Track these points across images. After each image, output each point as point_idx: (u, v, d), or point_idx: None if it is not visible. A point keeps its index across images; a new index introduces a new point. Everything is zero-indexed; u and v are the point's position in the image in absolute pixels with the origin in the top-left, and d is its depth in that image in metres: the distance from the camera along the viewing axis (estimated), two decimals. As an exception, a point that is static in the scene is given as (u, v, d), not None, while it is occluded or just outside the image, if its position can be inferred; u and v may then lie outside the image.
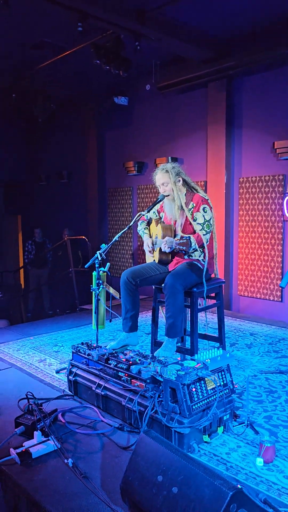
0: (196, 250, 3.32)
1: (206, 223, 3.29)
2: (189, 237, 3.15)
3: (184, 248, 3.08)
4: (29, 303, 8.39)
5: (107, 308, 3.81)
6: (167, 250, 3.13)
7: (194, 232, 3.31)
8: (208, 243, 3.34)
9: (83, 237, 7.30)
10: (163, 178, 3.36)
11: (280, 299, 5.47)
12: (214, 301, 3.60)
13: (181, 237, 3.18)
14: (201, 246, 3.29)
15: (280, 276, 5.45)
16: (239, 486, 1.59)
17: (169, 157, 6.53)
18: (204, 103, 6.17)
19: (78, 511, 1.97)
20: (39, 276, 8.32)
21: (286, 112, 5.35)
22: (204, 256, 3.34)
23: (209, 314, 5.08)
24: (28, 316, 7.99)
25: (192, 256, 3.38)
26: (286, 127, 5.33)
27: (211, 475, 1.65)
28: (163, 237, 3.33)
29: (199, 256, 3.37)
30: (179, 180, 3.41)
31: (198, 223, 3.29)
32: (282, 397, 3.13)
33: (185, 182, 3.47)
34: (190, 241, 3.15)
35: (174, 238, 3.32)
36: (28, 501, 2.08)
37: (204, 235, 3.26)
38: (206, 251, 3.29)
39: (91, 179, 8.22)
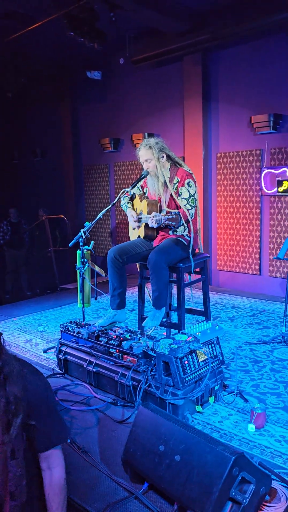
0: (183, 225, 3.33)
1: (191, 197, 3.30)
2: (178, 212, 3.16)
3: (174, 223, 3.09)
4: (6, 284, 8.25)
5: (92, 286, 3.80)
6: (155, 226, 3.14)
7: (178, 207, 3.32)
8: (193, 217, 3.35)
9: (62, 216, 7.19)
10: (146, 154, 3.33)
11: (258, 273, 5.60)
12: (199, 276, 3.65)
13: (168, 212, 3.19)
14: (186, 221, 3.31)
15: (259, 250, 5.56)
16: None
17: (146, 133, 6.46)
18: (180, 77, 6.10)
19: (80, 485, 2.01)
20: (16, 257, 8.16)
21: (262, 86, 5.36)
22: (189, 231, 3.36)
23: (192, 289, 5.15)
24: (6, 298, 7.87)
25: (176, 232, 3.39)
26: (263, 101, 5.35)
27: (213, 442, 1.71)
28: (149, 213, 3.32)
29: (184, 231, 3.39)
30: (163, 156, 3.38)
31: (183, 198, 3.29)
32: (267, 366, 3.25)
33: (169, 157, 3.45)
34: (180, 216, 3.17)
35: (160, 213, 3.32)
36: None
37: (188, 209, 3.27)
38: (191, 226, 3.31)
39: (66, 156, 8.06)
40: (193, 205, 3.30)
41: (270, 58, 5.26)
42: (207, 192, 6.01)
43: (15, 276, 8.20)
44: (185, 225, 3.32)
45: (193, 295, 4.22)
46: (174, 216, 3.05)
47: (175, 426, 1.84)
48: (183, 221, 3.20)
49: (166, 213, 3.19)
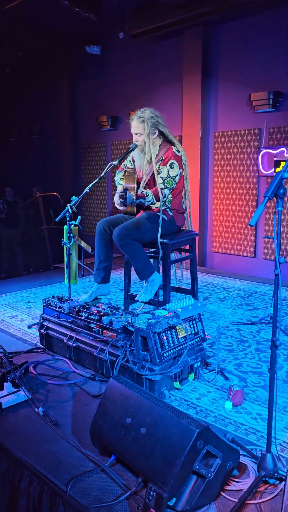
0: (153, 203, 3.23)
1: (169, 178, 3.18)
2: (145, 191, 3.13)
3: (122, 200, 3.08)
4: (2, 263, 8.21)
5: (79, 263, 3.74)
6: (118, 202, 3.12)
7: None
8: (165, 198, 3.24)
9: (55, 193, 7.10)
10: (138, 127, 3.22)
11: (253, 255, 5.51)
12: (187, 254, 3.58)
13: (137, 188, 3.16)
14: (158, 200, 3.21)
15: (254, 232, 5.47)
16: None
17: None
18: (179, 52, 5.93)
19: (48, 456, 1.97)
20: (12, 236, 8.11)
21: (263, 62, 5.19)
22: (165, 210, 3.26)
23: (183, 270, 5.08)
24: (2, 276, 7.85)
25: (152, 208, 3.30)
26: (263, 78, 5.19)
27: (178, 415, 1.66)
28: (127, 186, 3.25)
29: (166, 209, 3.29)
30: (155, 132, 3.27)
31: (160, 177, 3.19)
32: (252, 346, 3.19)
33: (162, 134, 3.34)
34: (146, 194, 3.12)
35: (137, 188, 3.25)
36: (-2, 449, 2.07)
37: (162, 189, 3.17)
38: (161, 204, 3.19)
39: (63, 134, 7.93)
40: (169, 187, 3.18)
41: (272, 34, 5.08)
42: (204, 173, 5.89)
43: (10, 255, 8.16)
44: (164, 203, 3.23)
45: (184, 276, 4.16)
46: (122, 193, 3.05)
47: (143, 399, 1.79)
48: (153, 199, 3.14)
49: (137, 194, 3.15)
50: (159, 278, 3.27)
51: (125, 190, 3.11)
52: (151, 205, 3.21)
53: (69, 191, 7.84)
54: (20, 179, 8.70)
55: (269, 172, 5.18)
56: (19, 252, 8.11)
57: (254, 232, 5.46)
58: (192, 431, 1.55)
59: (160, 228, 3.12)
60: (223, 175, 5.71)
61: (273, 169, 5.11)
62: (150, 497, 1.54)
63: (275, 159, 5.09)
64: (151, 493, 1.54)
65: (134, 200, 3.13)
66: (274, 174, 5.10)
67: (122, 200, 3.08)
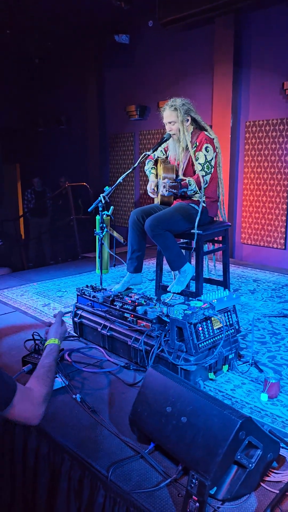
0: (197, 192, 3.20)
1: (207, 163, 3.16)
2: (184, 179, 3.08)
3: (175, 191, 3.01)
4: (30, 252, 8.36)
5: (111, 253, 3.77)
6: (165, 194, 3.07)
7: (195, 173, 3.21)
8: (206, 184, 3.22)
9: (84, 183, 7.14)
10: (171, 116, 3.20)
11: (283, 247, 5.43)
12: (220, 245, 3.56)
13: (174, 180, 3.11)
14: (200, 188, 3.19)
15: (285, 224, 5.39)
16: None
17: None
18: (210, 40, 5.83)
19: (88, 442, 2.01)
20: (40, 225, 8.24)
21: (297, 49, 5.06)
22: (201, 198, 3.24)
23: (211, 262, 5.06)
24: (29, 266, 7.99)
25: (192, 198, 3.28)
26: (297, 66, 5.06)
27: (220, 405, 1.66)
28: (164, 178, 3.23)
29: (200, 198, 3.26)
30: (188, 119, 3.25)
31: (199, 163, 3.17)
32: (285, 338, 3.16)
33: (194, 121, 3.32)
34: (189, 182, 3.08)
35: (175, 178, 3.23)
36: (38, 433, 2.13)
37: (203, 176, 3.15)
38: (202, 192, 3.17)
39: (91, 124, 7.94)
40: (208, 171, 3.16)
41: (307, 19, 4.94)
42: (234, 163, 5.82)
43: (38, 244, 8.30)
44: (201, 192, 3.20)
45: (216, 267, 4.14)
46: (175, 183, 2.98)
47: (183, 388, 1.81)
48: (196, 187, 3.11)
49: (173, 181, 3.11)
50: (192, 269, 3.27)
51: (180, 180, 3.07)
52: (193, 194, 3.19)
53: (96, 181, 7.89)
54: (48, 170, 8.80)
55: (301, 162, 5.07)
56: (47, 242, 8.23)
57: (285, 224, 5.38)
58: (234, 421, 1.56)
59: (197, 218, 3.12)
60: (253, 166, 5.62)
61: (306, 159, 5.00)
62: (192, 485, 1.56)
63: (308, 149, 4.98)
64: (193, 481, 1.56)
65: (169, 191, 3.11)
66: (307, 164, 5.00)
67: (174, 191, 3.02)
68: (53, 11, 6.45)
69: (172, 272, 3.84)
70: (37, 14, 6.51)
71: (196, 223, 3.12)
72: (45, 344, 1.93)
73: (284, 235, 5.40)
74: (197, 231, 3.15)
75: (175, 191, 3.00)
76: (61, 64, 8.15)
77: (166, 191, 3.02)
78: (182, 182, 3.07)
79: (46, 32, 6.90)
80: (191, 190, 3.13)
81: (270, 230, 5.55)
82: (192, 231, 3.16)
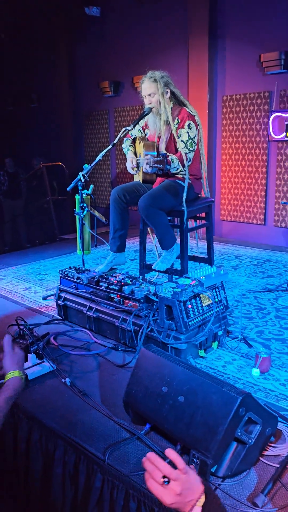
0: (180, 170, 3.13)
1: (190, 140, 3.08)
2: (168, 155, 2.98)
3: (160, 166, 2.91)
4: (5, 235, 8.11)
5: (93, 233, 3.67)
6: (149, 170, 2.98)
7: (177, 150, 3.12)
8: (190, 162, 3.15)
9: (60, 163, 6.93)
10: (150, 88, 3.09)
11: (263, 222, 5.44)
12: (203, 222, 3.51)
13: (158, 155, 3.01)
14: (183, 165, 3.11)
15: (264, 199, 5.38)
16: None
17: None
18: (184, 11, 5.65)
19: (81, 426, 1.96)
20: (14, 208, 7.97)
21: (274, 21, 4.96)
22: (185, 175, 3.17)
23: (193, 240, 5.03)
24: (5, 250, 7.77)
25: (178, 174, 3.20)
26: (274, 38, 4.97)
27: (218, 382, 1.63)
28: (145, 156, 3.14)
29: (184, 175, 3.19)
30: (167, 91, 3.15)
31: (181, 141, 3.08)
32: (271, 313, 3.17)
33: (173, 95, 3.21)
34: (171, 160, 2.99)
35: (157, 155, 3.13)
36: (29, 420, 2.07)
37: (186, 153, 3.08)
38: (186, 170, 3.10)
39: (63, 102, 7.68)
40: (191, 149, 3.09)
41: (284, -12, 4.84)
42: (211, 139, 5.74)
43: (13, 227, 8.05)
44: (185, 169, 3.13)
45: (198, 245, 4.10)
46: (160, 158, 2.88)
47: (179, 367, 1.77)
48: (179, 165, 3.03)
49: (157, 155, 3.01)
50: (177, 247, 3.22)
51: (165, 155, 2.96)
52: (176, 172, 3.10)
53: (71, 160, 7.67)
54: (19, 150, 8.48)
55: (280, 136, 5.05)
56: (23, 224, 8.00)
57: (264, 199, 5.37)
58: (234, 398, 1.53)
59: (185, 194, 3.05)
60: (231, 141, 5.56)
61: (284, 133, 4.97)
62: (194, 464, 1.53)
63: (286, 123, 4.94)
64: (195, 460, 1.53)
65: (154, 166, 3.01)
66: (285, 138, 4.97)
67: (160, 166, 2.91)
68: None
69: (156, 250, 3.78)
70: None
71: (184, 200, 3.06)
72: (5, 379, 1.58)
73: (264, 211, 5.40)
74: (185, 208, 3.09)
75: (161, 165, 2.89)
76: (28, 39, 7.78)
77: (150, 167, 2.92)
78: (167, 158, 2.97)
79: (13, 5, 6.54)
80: (174, 167, 3.05)
81: (250, 206, 5.54)
82: (182, 208, 3.10)
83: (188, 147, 3.07)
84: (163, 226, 3.08)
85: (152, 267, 3.26)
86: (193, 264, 3.98)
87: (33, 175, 7.48)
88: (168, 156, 2.99)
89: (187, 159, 3.06)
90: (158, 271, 3.31)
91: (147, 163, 2.93)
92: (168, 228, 3.13)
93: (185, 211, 3.09)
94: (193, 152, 3.14)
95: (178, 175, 3.16)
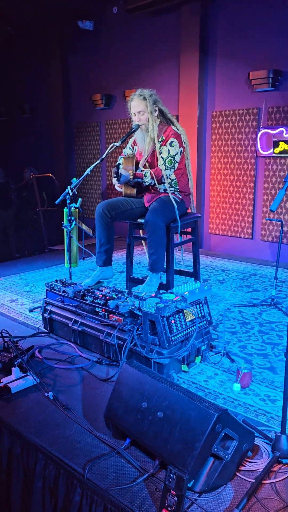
0: (152, 184, 3.24)
1: (170, 158, 3.18)
2: (143, 170, 3.13)
3: (140, 179, 3.07)
4: (-6, 246, 8.10)
5: (80, 246, 3.71)
6: (115, 182, 3.11)
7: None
8: (168, 179, 3.24)
9: (50, 174, 6.98)
10: (140, 105, 3.16)
11: (251, 236, 5.52)
12: (189, 237, 3.56)
13: (137, 169, 3.15)
14: (159, 181, 3.22)
15: (252, 213, 5.47)
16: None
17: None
18: (176, 28, 5.78)
19: (62, 440, 1.98)
20: (4, 218, 7.98)
21: (263, 40, 5.09)
22: (174, 193, 3.28)
23: (178, 253, 5.08)
24: (-6, 259, 7.75)
25: (167, 190, 3.28)
26: (262, 56, 5.10)
27: (196, 399, 1.67)
28: (125, 169, 3.22)
29: (168, 190, 3.27)
30: (156, 109, 3.22)
31: (161, 157, 3.19)
32: (255, 328, 3.22)
33: (161, 113, 3.29)
34: (145, 174, 3.12)
35: (136, 170, 3.23)
36: (11, 434, 2.08)
37: (164, 170, 3.18)
38: (174, 187, 3.21)
39: (55, 113, 7.75)
40: (169, 166, 3.19)
41: (272, 11, 4.97)
42: (201, 153, 5.83)
43: (3, 238, 8.04)
44: (171, 184, 3.25)
45: (184, 258, 4.16)
46: (132, 172, 3.05)
47: (159, 383, 1.80)
48: (152, 180, 3.15)
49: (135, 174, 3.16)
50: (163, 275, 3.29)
51: (118, 165, 3.11)
52: (157, 186, 3.20)
53: (62, 172, 7.73)
54: (10, 160, 8.52)
55: (267, 152, 5.15)
56: (12, 235, 7.99)
57: (252, 214, 5.46)
58: (211, 415, 1.56)
59: (176, 210, 3.15)
60: (220, 156, 5.66)
61: (272, 149, 5.08)
62: (170, 479, 1.56)
63: (274, 139, 5.05)
64: (171, 475, 1.56)
65: (131, 179, 3.13)
66: (273, 154, 5.08)
67: (115, 176, 3.07)
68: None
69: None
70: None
71: (177, 215, 3.17)
72: None
73: (251, 225, 5.49)
74: (179, 222, 3.20)
75: (116, 177, 3.08)
76: (22, 51, 7.87)
77: (116, 179, 3.06)
78: (136, 173, 3.11)
79: (7, 17, 6.63)
80: (146, 181, 3.17)
81: (238, 220, 5.62)
82: (173, 224, 3.20)
83: (166, 164, 3.16)
84: (162, 244, 3.15)
85: (140, 290, 3.27)
86: (179, 278, 4.03)
87: (23, 185, 7.51)
88: (143, 170, 3.12)
89: (164, 175, 3.17)
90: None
91: (113, 175, 3.07)
92: (164, 251, 3.19)
93: (179, 225, 3.18)
94: (172, 170, 3.23)
95: (169, 191, 3.24)
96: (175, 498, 1.53)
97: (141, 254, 5.24)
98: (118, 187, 3.35)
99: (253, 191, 5.40)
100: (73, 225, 3.45)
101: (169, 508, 1.54)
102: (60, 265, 5.07)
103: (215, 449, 1.60)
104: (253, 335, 3.09)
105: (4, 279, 4.55)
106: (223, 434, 1.61)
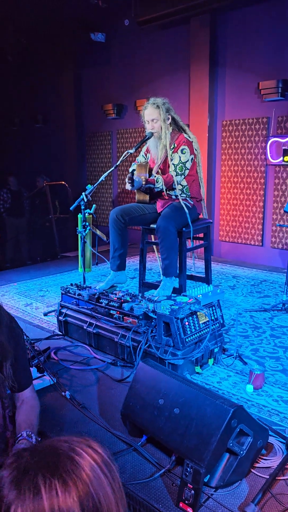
0: (163, 190, 3.32)
1: (180, 165, 3.25)
2: (155, 176, 3.22)
3: (152, 185, 3.15)
4: (7, 253, 8.22)
5: (94, 251, 3.78)
6: (129, 188, 3.20)
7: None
8: (179, 184, 3.32)
9: (63, 182, 7.10)
10: (153, 114, 3.25)
11: (261, 244, 5.56)
12: (201, 242, 3.62)
13: (150, 176, 3.24)
14: (169, 187, 3.30)
15: (262, 221, 5.51)
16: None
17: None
18: (186, 40, 5.90)
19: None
20: (17, 226, 8.10)
21: (272, 50, 5.18)
22: (186, 199, 3.35)
23: (189, 260, 5.13)
24: (7, 266, 7.87)
25: (178, 197, 3.35)
26: (272, 66, 5.19)
27: (212, 395, 1.71)
28: (138, 175, 3.31)
29: (186, 197, 3.36)
30: (169, 117, 3.31)
31: (172, 164, 3.27)
32: (267, 332, 3.26)
33: (173, 121, 3.38)
34: (156, 180, 3.20)
35: (149, 176, 3.32)
36: (29, 430, 2.13)
37: (175, 176, 3.25)
38: (185, 193, 3.29)
39: (68, 123, 7.90)
40: (180, 173, 3.27)
41: (281, 21, 5.07)
42: (211, 162, 5.91)
43: (16, 245, 8.17)
44: (183, 190, 3.33)
45: (195, 264, 4.22)
46: (144, 177, 3.15)
47: (175, 380, 1.85)
48: (163, 186, 3.23)
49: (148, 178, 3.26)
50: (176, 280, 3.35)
51: (132, 171, 3.19)
52: (169, 192, 3.28)
53: (74, 180, 7.85)
54: (23, 169, 8.67)
55: (277, 161, 5.21)
56: (25, 242, 8.11)
57: (262, 221, 5.51)
58: (227, 410, 1.61)
59: (188, 216, 3.22)
60: (230, 164, 5.73)
61: (282, 158, 5.14)
62: (187, 473, 1.60)
63: (283, 147, 5.11)
64: (188, 469, 1.60)
65: (143, 185, 3.20)
66: (283, 162, 5.14)
67: (130, 182, 3.15)
68: (27, 8, 6.38)
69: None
70: (10, 10, 6.43)
71: (189, 220, 3.23)
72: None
73: (261, 232, 5.53)
74: (191, 227, 3.27)
75: (130, 182, 3.18)
76: (35, 62, 8.05)
77: (130, 185, 3.15)
78: (149, 179, 3.21)
79: (20, 29, 6.80)
80: (158, 187, 3.25)
81: (248, 227, 5.67)
82: (185, 229, 3.27)
83: (177, 170, 3.24)
84: (174, 249, 3.21)
85: (154, 293, 3.32)
86: (191, 283, 4.08)
87: (36, 193, 7.64)
88: (155, 176, 3.20)
89: (175, 181, 3.25)
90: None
91: (128, 181, 3.16)
92: (177, 256, 3.26)
93: (191, 230, 3.24)
94: (182, 176, 3.31)
95: (180, 198, 3.32)
96: (192, 491, 1.58)
97: (152, 261, 5.30)
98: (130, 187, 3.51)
99: (263, 198, 5.46)
100: (87, 230, 3.53)
101: (186, 501, 1.58)
102: (73, 270, 5.15)
103: (231, 444, 1.64)
104: (265, 339, 3.12)
105: (18, 284, 4.63)
106: (238, 430, 1.65)
